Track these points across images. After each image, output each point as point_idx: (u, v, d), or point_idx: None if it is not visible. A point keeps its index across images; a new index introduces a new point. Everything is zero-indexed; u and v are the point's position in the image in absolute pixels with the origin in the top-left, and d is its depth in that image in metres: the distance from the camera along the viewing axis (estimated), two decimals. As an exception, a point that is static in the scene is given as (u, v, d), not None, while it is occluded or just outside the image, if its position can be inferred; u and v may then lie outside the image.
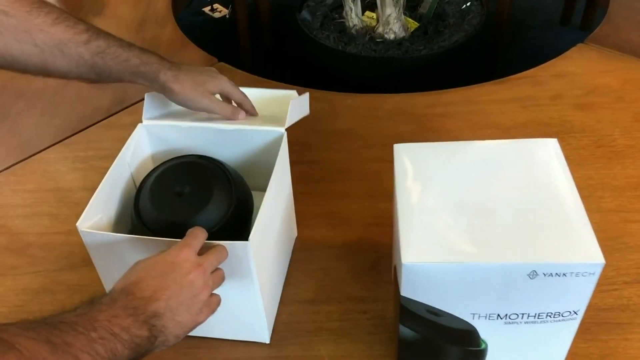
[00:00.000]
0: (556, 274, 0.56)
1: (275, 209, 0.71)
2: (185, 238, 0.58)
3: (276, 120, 0.74)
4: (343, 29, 1.59)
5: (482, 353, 0.64)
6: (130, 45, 0.71)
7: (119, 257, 0.65)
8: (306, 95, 0.80)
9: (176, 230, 0.61)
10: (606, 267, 0.77)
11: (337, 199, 0.91)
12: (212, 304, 0.58)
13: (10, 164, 1.00)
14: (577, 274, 0.56)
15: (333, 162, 0.98)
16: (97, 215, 0.65)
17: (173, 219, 0.67)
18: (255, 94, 0.79)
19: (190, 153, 0.75)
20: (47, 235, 0.88)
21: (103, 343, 0.46)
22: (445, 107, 1.07)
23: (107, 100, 1.13)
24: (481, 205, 0.61)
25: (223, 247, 0.60)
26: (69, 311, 0.49)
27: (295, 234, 0.85)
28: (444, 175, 0.65)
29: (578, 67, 1.13)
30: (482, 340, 0.62)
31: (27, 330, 0.44)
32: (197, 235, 0.59)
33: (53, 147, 1.03)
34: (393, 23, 1.52)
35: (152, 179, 0.71)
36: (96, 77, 0.70)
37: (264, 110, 0.79)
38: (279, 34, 1.72)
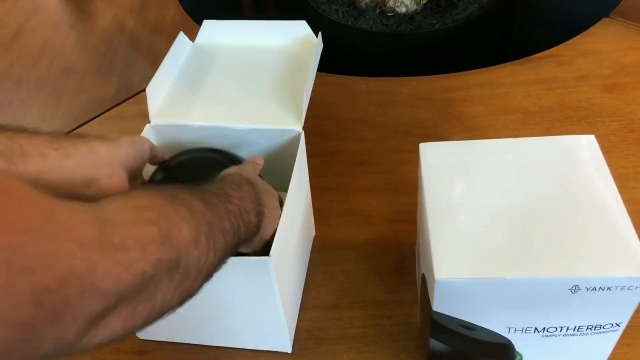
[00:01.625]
0: (600, 288, 0.52)
1: (295, 215, 0.67)
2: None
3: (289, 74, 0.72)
4: (352, 2, 1.53)
5: (517, 366, 0.61)
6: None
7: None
8: (314, 70, 0.74)
9: None
10: (643, 265, 0.74)
11: (357, 193, 0.87)
12: None
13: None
14: (622, 288, 0.52)
15: (350, 154, 0.93)
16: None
17: None
18: (260, 27, 0.77)
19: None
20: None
21: (234, 217, 0.49)
22: (467, 90, 1.02)
23: (112, 90, 1.09)
24: (517, 211, 0.57)
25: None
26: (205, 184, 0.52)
27: (314, 232, 0.81)
28: (475, 177, 0.61)
29: (605, 44, 1.08)
30: (517, 353, 0.59)
31: (180, 188, 0.46)
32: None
33: (58, 142, 0.99)
34: (405, -5, 1.46)
35: (161, 174, 0.65)
36: None
37: (272, 46, 0.77)
38: (285, 10, 1.66)
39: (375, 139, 0.95)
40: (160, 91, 0.72)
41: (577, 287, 0.52)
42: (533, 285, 0.53)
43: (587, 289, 0.52)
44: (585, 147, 0.63)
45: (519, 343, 0.58)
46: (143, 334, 0.71)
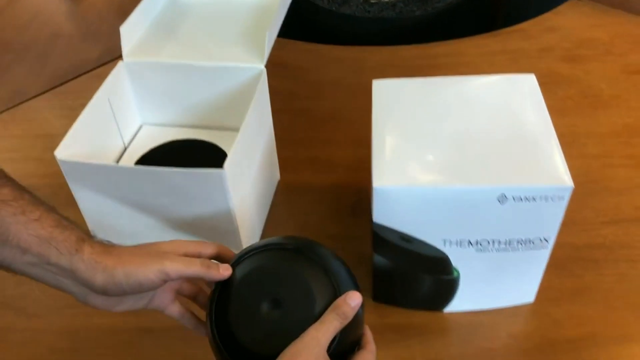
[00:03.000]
0: (525, 198, 0.56)
1: (253, 144, 0.71)
2: None
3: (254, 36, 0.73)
4: (337, -12, 1.58)
5: (454, 282, 0.64)
6: (51, 207, 0.50)
7: (99, 189, 0.66)
8: (280, 17, 0.77)
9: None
10: (585, 208, 0.79)
11: (322, 145, 0.91)
12: None
13: (-2, 112, 1.01)
14: (546, 198, 0.56)
15: (319, 111, 0.98)
16: (75, 146, 0.66)
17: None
18: None
19: (171, 91, 0.74)
20: (32, 178, 0.87)
21: None
22: (434, 59, 1.07)
23: (97, 51, 1.13)
24: (454, 136, 0.61)
25: None
26: None
27: (278, 177, 0.86)
28: (420, 108, 0.65)
29: (570, 21, 1.13)
30: (454, 269, 0.63)
31: None
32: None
33: (42, 96, 1.04)
34: (387, -17, 1.51)
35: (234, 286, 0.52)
36: None
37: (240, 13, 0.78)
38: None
39: (343, 99, 1.00)
40: (134, 32, 0.77)
41: (504, 197, 0.56)
42: (464, 195, 0.57)
43: (514, 199, 0.56)
44: (525, 83, 0.67)
45: (455, 258, 0.62)
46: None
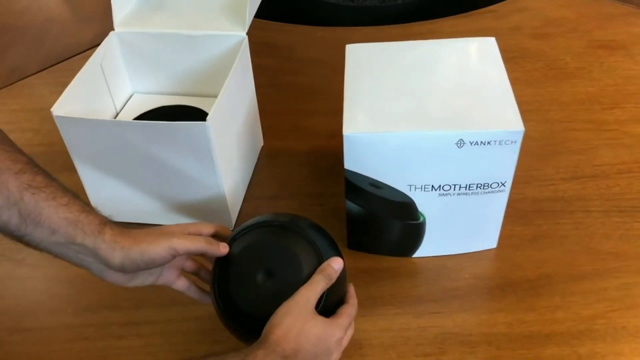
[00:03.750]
0: (481, 142, 0.62)
1: (236, 104, 0.77)
2: (343, 319, 0.58)
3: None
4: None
5: (420, 227, 0.70)
6: (76, 194, 0.55)
7: (93, 145, 0.71)
8: None
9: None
10: (547, 166, 0.85)
11: (305, 115, 0.97)
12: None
13: (-4, 89, 1.06)
14: (500, 142, 0.62)
15: (303, 85, 1.03)
16: (69, 108, 0.71)
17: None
18: None
19: (161, 60, 0.80)
20: (29, 147, 0.93)
21: None
22: (411, 37, 1.11)
23: (92, 33, 1.19)
24: (418, 90, 0.67)
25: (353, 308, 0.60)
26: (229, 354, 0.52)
27: (262, 143, 0.91)
28: (388, 67, 0.71)
29: (538, 2, 1.19)
30: (420, 213, 0.69)
31: None
32: (350, 314, 0.59)
33: (38, 74, 1.09)
34: (370, -28, 1.57)
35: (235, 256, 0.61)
36: (18, 221, 0.51)
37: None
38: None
39: (325, 74, 1.05)
40: (124, 4, 0.82)
41: (462, 141, 0.62)
42: (425, 140, 0.62)
43: (471, 144, 0.62)
44: (485, 46, 0.73)
45: (421, 203, 0.67)
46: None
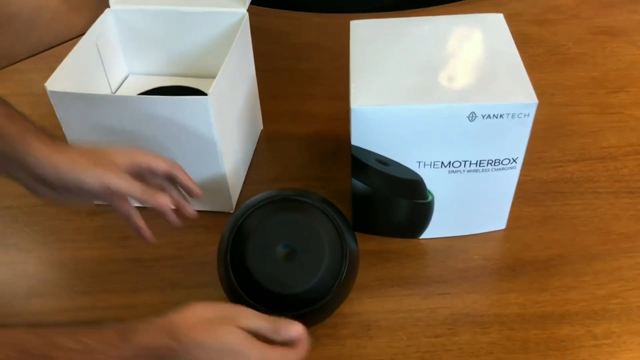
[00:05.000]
0: (494, 115, 0.60)
1: (236, 82, 0.74)
2: (274, 351, 0.46)
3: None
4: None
5: (428, 206, 0.68)
6: (5, 101, 0.53)
7: (87, 122, 0.68)
8: None
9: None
10: (553, 149, 0.83)
11: (303, 100, 0.95)
12: None
13: (-15, 75, 1.03)
14: (512, 116, 0.60)
15: (300, 70, 1.01)
16: (63, 84, 0.68)
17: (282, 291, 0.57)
18: None
19: (157, 39, 0.77)
20: (21, 131, 0.90)
21: None
22: (410, 24, 1.11)
23: (83, 20, 1.16)
24: (427, 64, 0.65)
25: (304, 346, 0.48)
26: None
27: (261, 127, 0.89)
28: (395, 41, 0.69)
29: (538, -10, 1.18)
30: (429, 192, 0.66)
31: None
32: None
33: (28, 60, 1.06)
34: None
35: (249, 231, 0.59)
36: None
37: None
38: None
39: (324, 59, 1.03)
40: (120, -19, 0.80)
41: (473, 115, 0.60)
42: (436, 113, 0.60)
43: (483, 117, 0.60)
44: (493, 20, 0.71)
45: (430, 180, 0.65)
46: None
